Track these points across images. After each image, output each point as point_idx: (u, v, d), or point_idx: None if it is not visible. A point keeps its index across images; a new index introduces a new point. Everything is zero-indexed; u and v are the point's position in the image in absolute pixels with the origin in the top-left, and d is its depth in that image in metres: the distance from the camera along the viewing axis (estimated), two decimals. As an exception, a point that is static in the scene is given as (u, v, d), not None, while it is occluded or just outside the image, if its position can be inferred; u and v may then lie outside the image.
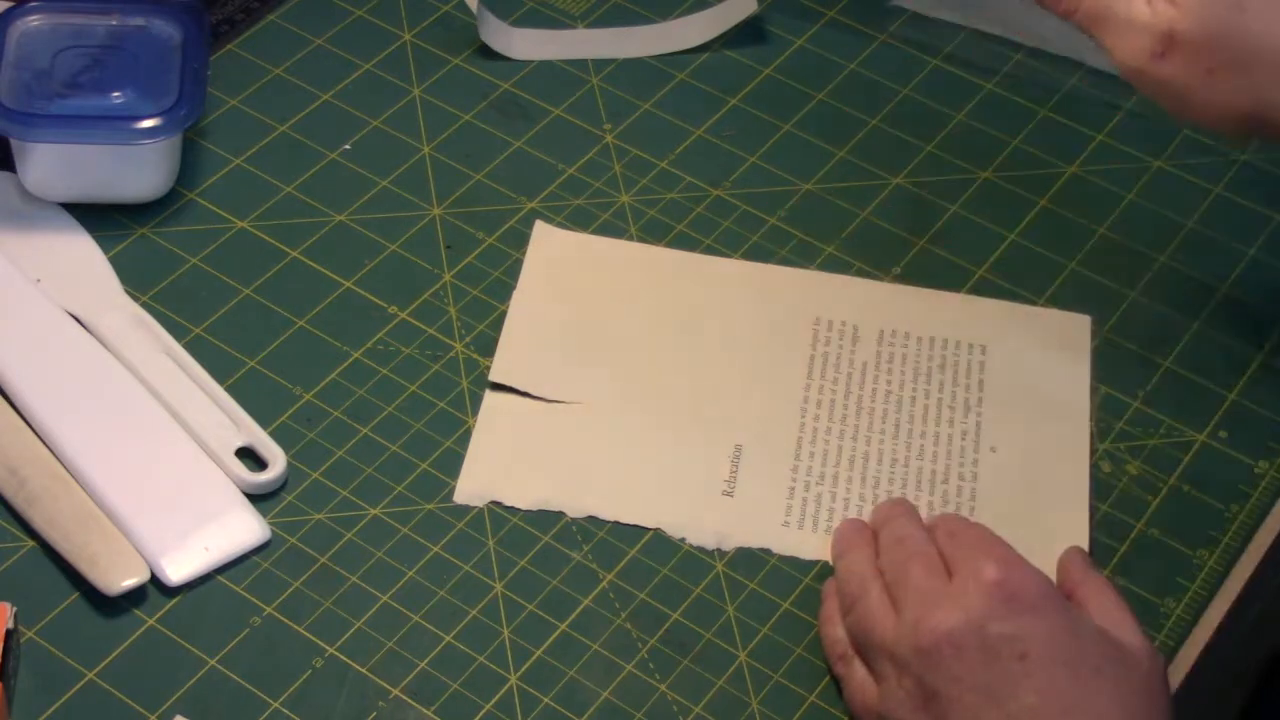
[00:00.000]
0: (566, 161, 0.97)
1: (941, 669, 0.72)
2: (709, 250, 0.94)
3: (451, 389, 0.87)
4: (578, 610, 0.80)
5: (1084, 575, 0.78)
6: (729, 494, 0.84)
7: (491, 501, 0.83)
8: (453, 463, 0.85)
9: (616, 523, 0.83)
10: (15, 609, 0.76)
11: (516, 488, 0.84)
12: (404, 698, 0.77)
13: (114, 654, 0.78)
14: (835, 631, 0.78)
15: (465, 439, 0.85)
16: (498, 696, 0.77)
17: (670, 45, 1.03)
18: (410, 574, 0.81)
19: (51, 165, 0.91)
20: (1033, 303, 0.92)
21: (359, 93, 0.99)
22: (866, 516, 0.83)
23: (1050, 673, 0.71)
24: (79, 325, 0.88)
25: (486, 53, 1.01)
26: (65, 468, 0.82)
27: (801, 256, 0.94)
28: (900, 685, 0.73)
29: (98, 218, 0.92)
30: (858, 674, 0.76)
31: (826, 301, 0.92)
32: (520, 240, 0.93)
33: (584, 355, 0.89)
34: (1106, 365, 0.90)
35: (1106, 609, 0.76)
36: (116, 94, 0.91)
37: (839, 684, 0.78)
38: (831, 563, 0.81)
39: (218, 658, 0.78)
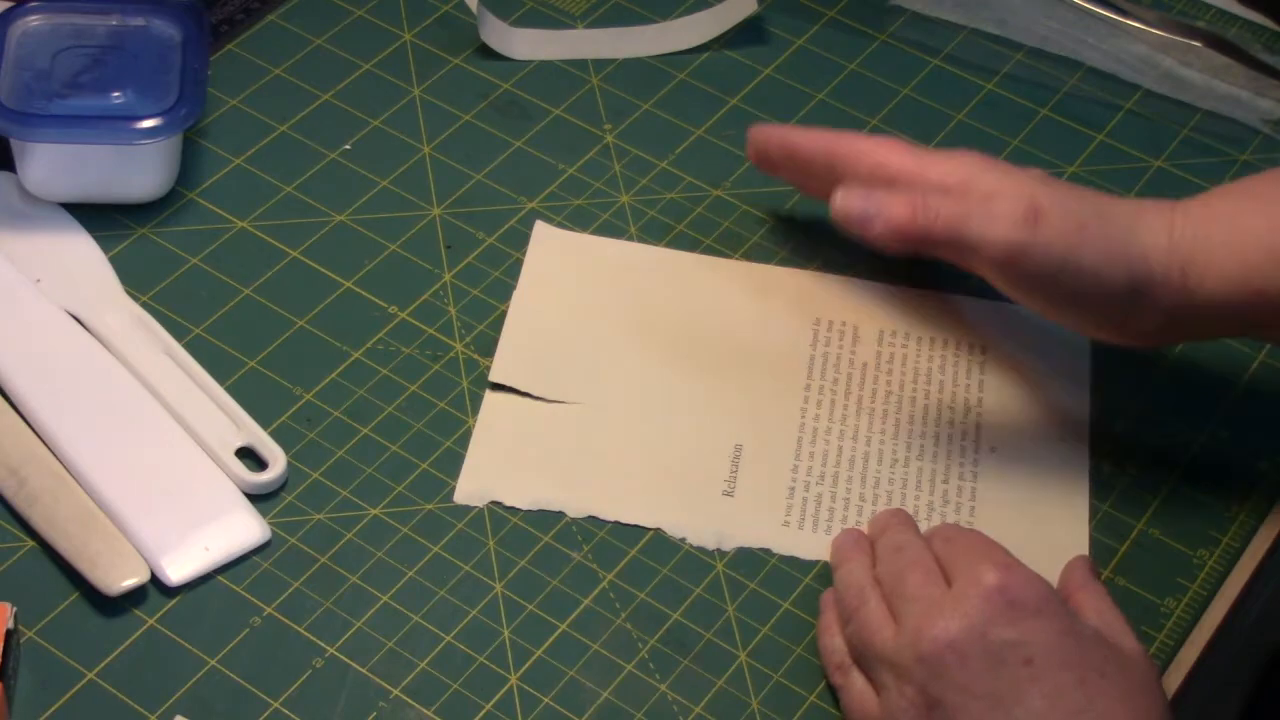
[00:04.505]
0: (566, 161, 0.97)
1: (945, 677, 0.72)
2: (709, 250, 0.94)
3: (451, 389, 0.87)
4: (578, 610, 0.80)
5: (1084, 581, 0.78)
6: (729, 494, 0.84)
7: (491, 501, 0.83)
8: (453, 463, 0.85)
9: (616, 523, 0.83)
10: (15, 609, 0.76)
11: (516, 488, 0.84)
12: (404, 698, 0.77)
13: (114, 654, 0.78)
14: (833, 641, 0.78)
15: (465, 439, 0.85)
16: (498, 696, 0.77)
17: (670, 45, 1.03)
18: (410, 574, 0.81)
19: (51, 165, 0.91)
20: (1033, 303, 0.92)
21: (359, 93, 0.99)
22: (866, 516, 0.83)
23: (1056, 677, 0.71)
24: (79, 325, 0.88)
25: (486, 53, 1.02)
26: (65, 468, 0.82)
27: (801, 256, 0.94)
28: (902, 695, 0.73)
29: (98, 218, 0.92)
30: (856, 684, 0.76)
31: (826, 301, 0.92)
32: (520, 240, 0.93)
33: (584, 355, 0.89)
34: (1106, 365, 0.90)
35: (1102, 614, 0.76)
36: (116, 94, 0.91)
37: (836, 695, 0.78)
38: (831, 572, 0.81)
39: (218, 658, 0.78)
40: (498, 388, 0.87)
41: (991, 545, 0.77)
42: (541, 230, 0.93)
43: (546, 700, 0.77)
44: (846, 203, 0.83)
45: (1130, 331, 0.82)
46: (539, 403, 0.87)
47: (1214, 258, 0.80)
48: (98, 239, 0.92)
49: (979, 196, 0.81)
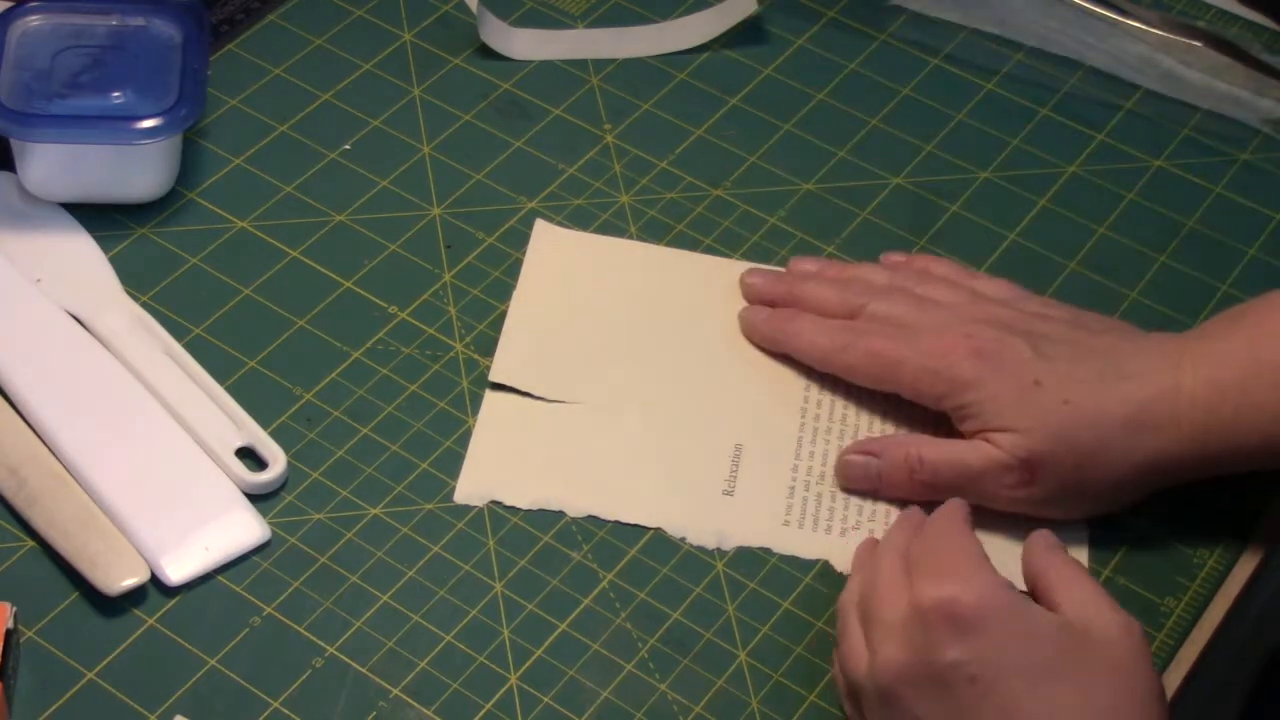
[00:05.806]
0: (566, 161, 0.97)
1: (902, 707, 0.72)
2: (709, 250, 0.94)
3: (451, 389, 0.87)
4: (578, 610, 0.80)
5: (1046, 563, 0.76)
6: (729, 494, 0.84)
7: (491, 501, 0.83)
8: (453, 463, 0.85)
9: (616, 523, 0.83)
10: (15, 609, 0.76)
11: (516, 488, 0.84)
12: (404, 698, 0.77)
13: (114, 654, 0.78)
14: (836, 670, 0.78)
15: (465, 439, 0.85)
16: (498, 696, 0.77)
17: (670, 45, 1.03)
18: (410, 574, 0.81)
19: (51, 165, 0.91)
20: (1033, 303, 0.92)
21: (359, 93, 0.99)
22: (866, 516, 0.83)
23: (1005, 687, 0.70)
24: (79, 325, 0.88)
25: (486, 53, 1.02)
26: (65, 468, 0.82)
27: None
28: None
29: (98, 218, 0.92)
30: (851, 712, 0.76)
31: (826, 301, 0.92)
32: (520, 240, 0.93)
33: (584, 355, 0.89)
34: (1106, 365, 0.90)
35: (1074, 592, 0.74)
36: (116, 94, 0.91)
37: None
38: None
39: (218, 658, 0.78)
40: (498, 387, 0.87)
41: (949, 546, 0.75)
42: (541, 228, 0.93)
43: (546, 700, 0.77)
44: (849, 468, 0.84)
45: None
46: (539, 402, 0.87)
47: (1232, 434, 0.81)
48: (98, 239, 0.92)
49: (961, 417, 0.82)
